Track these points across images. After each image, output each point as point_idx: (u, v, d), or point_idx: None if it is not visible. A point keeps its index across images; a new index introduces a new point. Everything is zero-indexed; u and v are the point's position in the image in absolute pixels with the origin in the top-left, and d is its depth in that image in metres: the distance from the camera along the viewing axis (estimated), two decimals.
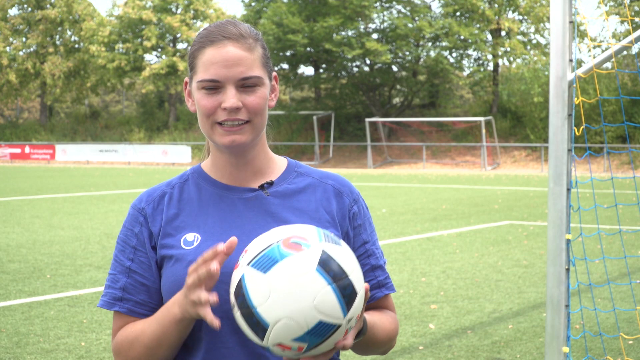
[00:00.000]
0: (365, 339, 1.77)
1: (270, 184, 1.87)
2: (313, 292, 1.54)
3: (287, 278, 1.54)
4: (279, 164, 1.93)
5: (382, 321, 1.87)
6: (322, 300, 1.54)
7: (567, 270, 3.84)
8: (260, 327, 1.55)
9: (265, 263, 1.56)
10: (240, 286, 1.58)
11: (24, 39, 52.55)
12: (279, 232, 1.62)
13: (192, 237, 1.81)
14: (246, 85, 1.78)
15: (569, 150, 3.81)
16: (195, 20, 49.90)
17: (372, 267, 1.93)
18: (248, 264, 1.58)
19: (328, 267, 1.57)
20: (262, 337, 1.57)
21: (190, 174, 1.92)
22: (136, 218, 1.86)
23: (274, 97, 1.87)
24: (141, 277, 1.83)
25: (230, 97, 1.76)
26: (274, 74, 1.88)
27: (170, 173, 33.14)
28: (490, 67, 44.30)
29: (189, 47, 1.87)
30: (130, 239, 1.85)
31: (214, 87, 1.78)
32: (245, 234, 1.80)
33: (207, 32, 1.82)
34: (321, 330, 1.55)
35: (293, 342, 1.55)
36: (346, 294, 1.57)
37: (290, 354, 1.58)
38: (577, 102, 3.91)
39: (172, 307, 1.71)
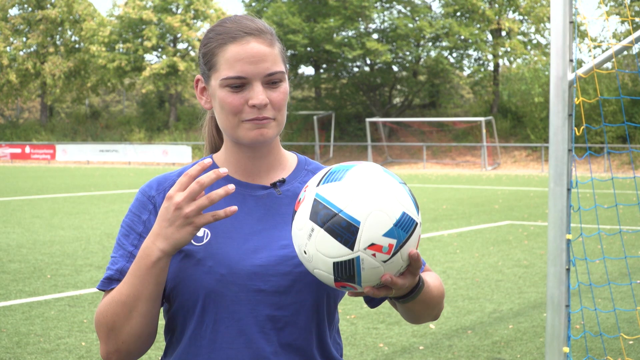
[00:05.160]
0: (421, 297, 1.75)
1: (283, 181, 1.86)
2: (391, 186, 1.60)
3: (364, 178, 1.60)
4: (290, 160, 1.92)
5: (430, 277, 1.86)
6: (400, 194, 1.60)
7: (568, 270, 3.84)
8: (351, 229, 1.55)
9: (336, 176, 1.61)
10: (317, 204, 1.59)
11: (24, 39, 52.53)
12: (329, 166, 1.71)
13: (201, 233, 1.78)
14: (271, 81, 1.77)
15: (570, 150, 3.81)
16: (195, 20, 49.87)
17: None
18: (317, 186, 1.62)
19: (392, 173, 1.65)
20: (352, 243, 1.56)
21: None
22: (145, 205, 1.83)
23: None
24: None
25: (259, 94, 1.75)
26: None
27: None
28: (491, 67, 44.31)
29: (203, 44, 1.82)
30: (137, 225, 1.82)
31: (239, 84, 1.76)
32: (256, 233, 1.79)
33: (225, 29, 1.79)
34: (406, 223, 1.58)
35: (384, 238, 1.56)
36: (413, 196, 1.65)
37: (380, 257, 1.57)
38: (577, 102, 3.91)
39: (147, 252, 1.67)
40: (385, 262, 1.57)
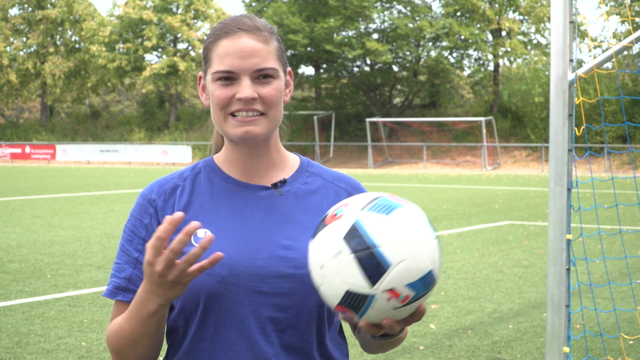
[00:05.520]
0: (396, 338, 1.76)
1: (284, 182, 1.85)
2: (428, 240, 1.58)
3: (409, 221, 1.57)
4: (292, 160, 1.91)
5: None
6: (434, 250, 1.59)
7: (568, 270, 3.84)
8: (379, 268, 1.53)
9: (384, 208, 1.58)
10: (354, 230, 1.55)
11: (24, 39, 52.53)
12: (374, 192, 1.67)
13: (202, 234, 1.77)
14: (261, 77, 1.77)
15: (570, 150, 3.81)
16: (195, 20, 49.87)
17: None
18: (362, 210, 1.58)
19: (432, 225, 1.63)
20: (375, 281, 1.54)
21: (203, 167, 1.89)
22: (146, 209, 1.83)
23: (288, 92, 1.86)
24: None
25: (245, 88, 1.74)
26: (289, 69, 1.86)
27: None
28: (491, 67, 44.30)
29: (204, 41, 1.84)
30: (139, 230, 1.82)
31: (228, 78, 1.76)
32: (257, 234, 1.78)
33: (223, 25, 1.81)
34: (428, 280, 1.57)
35: (405, 288, 1.54)
36: (441, 253, 1.63)
37: (393, 304, 1.55)
38: (577, 102, 3.91)
39: (143, 304, 1.66)
40: (395, 309, 1.57)
